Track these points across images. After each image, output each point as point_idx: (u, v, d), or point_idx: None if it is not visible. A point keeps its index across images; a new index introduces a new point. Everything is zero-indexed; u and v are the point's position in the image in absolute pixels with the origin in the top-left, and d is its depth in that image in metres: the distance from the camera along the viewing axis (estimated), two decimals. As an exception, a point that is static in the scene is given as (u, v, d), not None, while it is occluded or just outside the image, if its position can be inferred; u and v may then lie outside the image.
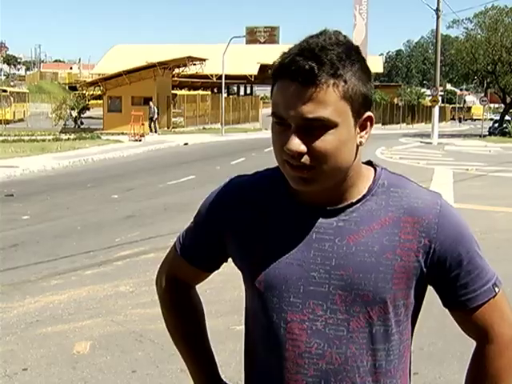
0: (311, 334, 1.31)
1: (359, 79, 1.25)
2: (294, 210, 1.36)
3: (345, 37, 1.26)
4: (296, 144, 1.22)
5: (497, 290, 1.37)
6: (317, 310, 1.31)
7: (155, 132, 35.15)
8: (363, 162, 1.38)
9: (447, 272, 1.33)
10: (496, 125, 48.32)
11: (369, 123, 1.31)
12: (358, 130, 1.29)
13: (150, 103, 35.95)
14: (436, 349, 4.84)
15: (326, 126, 1.22)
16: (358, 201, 1.33)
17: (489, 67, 50.81)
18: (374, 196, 1.34)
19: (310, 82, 1.20)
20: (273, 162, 1.36)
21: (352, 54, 1.24)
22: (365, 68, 1.27)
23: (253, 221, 1.39)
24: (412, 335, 1.42)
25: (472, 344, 1.44)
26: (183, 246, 1.53)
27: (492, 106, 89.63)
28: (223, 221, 1.43)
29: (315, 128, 1.22)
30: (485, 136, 42.25)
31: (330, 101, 1.21)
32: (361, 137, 1.30)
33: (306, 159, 1.23)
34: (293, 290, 1.33)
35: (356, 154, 1.31)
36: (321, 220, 1.33)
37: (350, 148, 1.27)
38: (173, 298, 1.60)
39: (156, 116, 35.76)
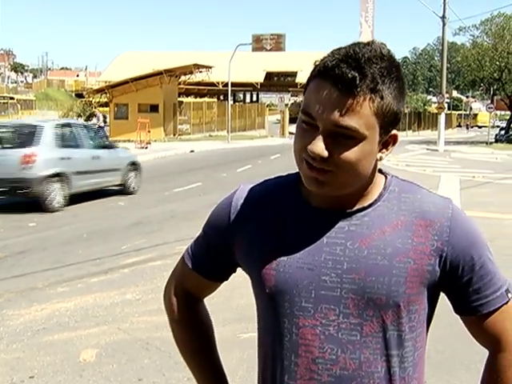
0: (324, 340, 1.30)
1: (395, 98, 1.26)
2: (305, 214, 1.36)
3: (389, 51, 1.27)
4: (320, 147, 1.23)
5: (510, 296, 1.36)
6: (329, 314, 1.30)
7: None
8: None
9: (460, 277, 1.32)
10: (502, 132, 48.29)
11: (392, 141, 1.32)
12: (380, 146, 1.30)
13: (96, 111, 35.12)
14: (443, 357, 4.82)
15: (353, 136, 1.23)
16: (370, 205, 1.34)
17: (495, 74, 50.73)
18: (385, 201, 1.34)
19: (350, 91, 1.21)
20: (279, 170, 1.36)
21: (393, 72, 1.25)
22: (402, 87, 1.28)
23: (262, 226, 1.39)
24: (425, 344, 1.41)
25: (480, 352, 1.43)
26: (192, 256, 1.52)
27: (498, 113, 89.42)
28: (232, 229, 1.42)
29: (342, 136, 1.23)
30: (491, 143, 42.17)
31: (363, 114, 1.22)
32: (382, 153, 1.31)
33: (326, 164, 1.24)
34: (304, 294, 1.32)
35: (375, 168, 1.32)
36: (332, 224, 1.33)
37: (370, 162, 1.28)
38: (181, 312, 1.58)
39: (103, 124, 34.24)
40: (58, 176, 11.84)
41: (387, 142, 1.31)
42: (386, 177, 1.39)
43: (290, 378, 1.34)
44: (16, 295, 6.56)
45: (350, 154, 1.23)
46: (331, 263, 1.31)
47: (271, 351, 1.38)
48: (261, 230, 1.39)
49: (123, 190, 14.26)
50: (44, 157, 11.67)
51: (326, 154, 1.23)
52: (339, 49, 1.25)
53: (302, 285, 1.32)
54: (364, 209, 1.33)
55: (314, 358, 1.31)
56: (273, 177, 1.48)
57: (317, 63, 1.27)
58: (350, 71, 1.20)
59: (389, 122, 1.27)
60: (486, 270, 1.33)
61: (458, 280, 1.33)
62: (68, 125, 13.75)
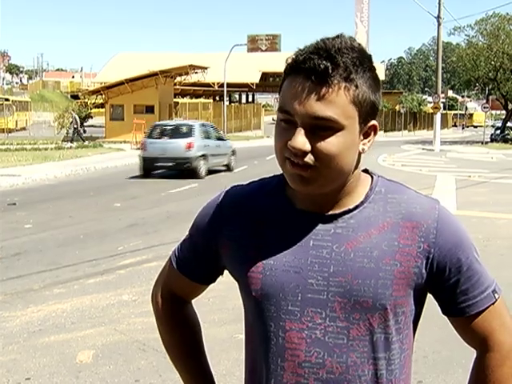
0: (311, 343, 1.30)
1: (369, 87, 1.25)
2: (291, 217, 1.35)
3: (359, 44, 1.27)
4: (301, 142, 1.22)
5: (496, 296, 1.35)
6: (316, 318, 1.30)
7: (79, 141, 33.08)
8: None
9: (446, 278, 1.32)
10: (498, 131, 48.39)
11: (372, 132, 1.31)
12: (361, 137, 1.29)
13: (70, 110, 35.32)
14: (440, 357, 4.83)
15: (332, 127, 1.22)
16: (356, 207, 1.33)
17: (490, 74, 50.85)
18: (371, 203, 1.33)
19: (324, 81, 1.20)
20: (275, 170, 1.36)
21: (365, 62, 1.25)
22: (375, 77, 1.28)
23: (248, 229, 1.38)
24: (413, 345, 1.40)
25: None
26: (178, 258, 1.52)
27: (494, 112, 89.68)
28: (218, 232, 1.41)
29: (322, 128, 1.22)
30: (487, 143, 42.30)
31: (339, 103, 1.21)
32: (363, 144, 1.30)
33: (308, 158, 1.23)
34: (290, 298, 1.31)
35: (358, 161, 1.31)
36: (318, 227, 1.32)
37: (352, 154, 1.27)
38: (167, 313, 1.57)
39: (77, 126, 34.06)
40: (203, 156, 18.76)
41: (367, 133, 1.30)
42: (372, 177, 1.38)
43: (277, 381, 1.33)
44: (12, 297, 6.54)
45: (331, 146, 1.23)
46: (317, 266, 1.30)
47: (258, 355, 1.37)
48: (244, 233, 1.38)
49: (227, 168, 20.58)
50: (197, 144, 18.63)
51: (308, 147, 1.22)
52: (308, 45, 1.25)
53: (289, 288, 1.31)
54: (350, 211, 1.32)
55: (300, 361, 1.30)
56: (257, 179, 1.46)
57: (288, 61, 1.27)
58: (322, 61, 1.20)
59: (367, 112, 1.26)
60: (473, 270, 1.33)
61: (445, 281, 1.32)
62: (204, 125, 21.09)
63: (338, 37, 1.25)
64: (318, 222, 1.32)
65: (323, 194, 1.30)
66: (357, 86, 1.23)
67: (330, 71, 1.20)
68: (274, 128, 1.30)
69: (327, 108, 1.21)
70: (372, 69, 1.27)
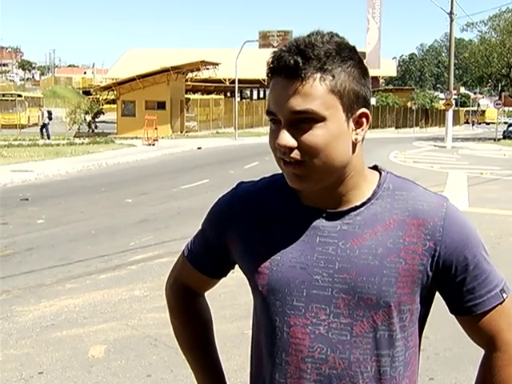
0: (314, 339, 1.30)
1: (350, 75, 1.25)
2: (298, 213, 1.35)
3: (339, 37, 1.27)
4: (284, 139, 1.23)
5: (505, 296, 1.34)
6: (320, 314, 1.30)
7: (48, 139, 31.99)
8: (369, 167, 1.38)
9: (453, 276, 1.31)
10: (510, 128, 48.02)
11: (365, 120, 1.30)
12: (353, 126, 1.28)
13: (42, 108, 35.26)
14: (452, 354, 4.82)
15: (313, 119, 1.22)
16: (363, 204, 1.32)
17: (503, 70, 50.55)
18: (378, 199, 1.33)
19: (295, 75, 1.21)
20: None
21: (343, 51, 1.25)
22: (358, 66, 1.27)
23: (256, 225, 1.39)
24: (420, 343, 1.39)
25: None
26: (191, 252, 1.54)
27: (506, 109, 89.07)
28: (228, 227, 1.43)
29: (303, 121, 1.23)
30: (499, 140, 42.01)
31: (316, 94, 1.22)
32: (356, 133, 1.29)
33: (296, 154, 1.24)
34: (296, 293, 1.32)
35: (353, 151, 1.29)
36: (325, 223, 1.32)
37: (343, 144, 1.26)
38: (179, 306, 1.60)
39: (48, 121, 33.44)
40: None
41: (359, 122, 1.29)
42: (380, 173, 1.37)
43: (281, 376, 1.34)
44: (24, 291, 6.59)
45: (316, 138, 1.23)
46: (323, 262, 1.31)
47: (264, 348, 1.38)
48: (253, 228, 1.39)
49: None
50: None
51: (293, 143, 1.23)
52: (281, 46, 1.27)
53: (294, 284, 1.32)
54: (357, 208, 1.32)
55: (303, 356, 1.31)
56: (269, 175, 1.47)
57: (266, 64, 1.29)
58: (292, 57, 1.22)
59: (350, 100, 1.25)
60: (480, 269, 1.31)
61: (451, 280, 1.31)
62: None
63: (313, 34, 1.26)
64: (325, 219, 1.32)
65: (326, 190, 1.30)
66: (333, 76, 1.23)
67: (301, 64, 1.21)
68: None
69: (304, 101, 1.21)
70: (354, 58, 1.26)
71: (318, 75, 1.22)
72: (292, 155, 1.24)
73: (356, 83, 1.26)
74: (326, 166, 1.25)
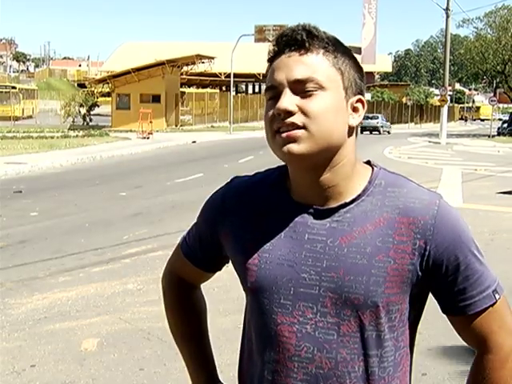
0: (301, 338, 1.29)
1: (349, 61, 1.29)
2: (288, 209, 1.33)
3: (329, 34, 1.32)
4: (286, 102, 1.23)
5: (497, 296, 1.31)
6: (307, 312, 1.29)
7: None
8: (363, 162, 1.37)
9: (443, 276, 1.28)
10: (505, 125, 48.10)
11: (361, 106, 1.31)
12: (349, 110, 1.29)
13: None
14: (444, 349, 4.83)
15: (315, 87, 1.24)
16: (353, 201, 1.30)
17: (498, 67, 50.62)
18: (369, 196, 1.30)
19: (302, 47, 1.26)
20: (281, 161, 1.35)
21: (342, 45, 1.30)
22: (354, 60, 1.31)
23: (248, 221, 1.38)
24: (413, 344, 1.37)
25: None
26: (186, 245, 1.54)
27: (501, 106, 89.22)
28: (221, 221, 1.42)
29: (306, 90, 1.24)
30: (493, 136, 42.13)
31: (320, 65, 1.25)
32: (353, 118, 1.29)
33: (296, 118, 1.23)
34: (283, 291, 1.30)
35: (348, 136, 1.29)
36: (314, 220, 1.30)
37: (341, 119, 1.26)
38: (174, 297, 1.60)
39: None
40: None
41: (356, 108, 1.30)
42: (373, 168, 1.35)
43: (269, 373, 1.33)
44: (17, 284, 6.57)
45: (316, 104, 1.23)
46: (311, 260, 1.29)
47: (254, 345, 1.38)
48: (244, 224, 1.38)
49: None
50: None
51: (294, 107, 1.23)
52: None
53: (282, 281, 1.30)
54: (347, 205, 1.30)
55: (290, 355, 1.30)
56: (263, 170, 1.46)
57: (269, 48, 1.31)
58: (300, 33, 1.26)
59: (351, 82, 1.28)
60: (472, 270, 1.28)
61: (442, 280, 1.29)
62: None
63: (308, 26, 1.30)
64: (315, 216, 1.31)
65: (316, 180, 1.28)
66: (336, 57, 1.27)
67: (306, 38, 1.25)
68: (264, 114, 1.32)
69: (307, 69, 1.24)
70: (350, 55, 1.30)
71: (322, 50, 1.26)
72: (291, 119, 1.23)
73: (354, 73, 1.29)
74: (323, 136, 1.24)
